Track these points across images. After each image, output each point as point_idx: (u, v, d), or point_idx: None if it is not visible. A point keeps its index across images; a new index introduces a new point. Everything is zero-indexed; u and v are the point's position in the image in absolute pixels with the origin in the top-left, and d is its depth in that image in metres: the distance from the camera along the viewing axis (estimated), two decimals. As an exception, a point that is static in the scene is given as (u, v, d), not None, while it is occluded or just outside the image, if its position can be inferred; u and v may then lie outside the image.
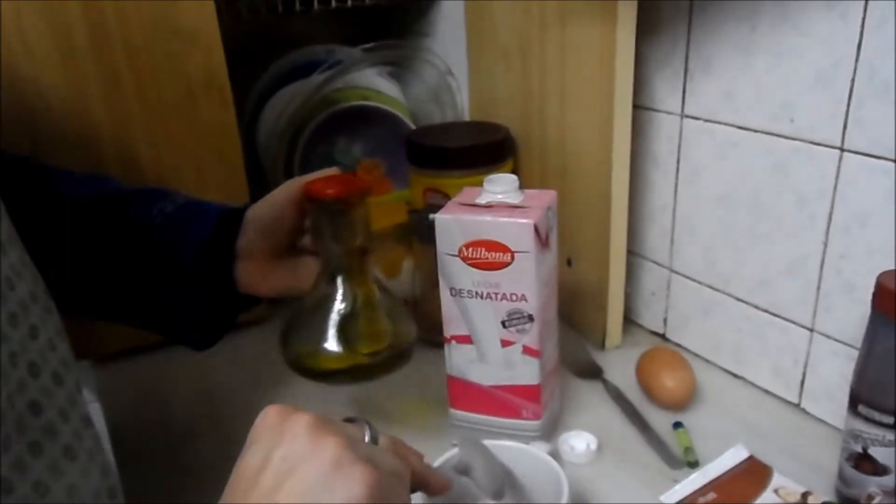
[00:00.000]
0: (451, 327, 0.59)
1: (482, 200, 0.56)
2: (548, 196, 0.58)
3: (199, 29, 0.72)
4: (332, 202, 0.53)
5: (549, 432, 0.61)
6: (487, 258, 0.55)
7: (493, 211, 0.55)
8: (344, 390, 0.71)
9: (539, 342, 0.57)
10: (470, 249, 0.55)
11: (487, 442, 0.49)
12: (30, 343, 0.36)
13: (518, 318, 0.56)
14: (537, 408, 0.59)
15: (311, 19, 0.96)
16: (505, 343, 0.57)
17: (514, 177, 0.58)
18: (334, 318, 0.56)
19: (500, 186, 0.56)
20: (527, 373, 0.58)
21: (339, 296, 0.56)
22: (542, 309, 0.57)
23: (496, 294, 0.56)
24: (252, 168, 0.88)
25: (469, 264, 0.56)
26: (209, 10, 0.72)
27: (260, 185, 0.96)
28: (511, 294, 0.56)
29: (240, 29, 0.83)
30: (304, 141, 0.95)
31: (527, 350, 0.57)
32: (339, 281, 0.56)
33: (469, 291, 0.57)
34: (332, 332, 0.56)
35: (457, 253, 0.56)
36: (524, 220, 0.53)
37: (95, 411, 0.72)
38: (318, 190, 0.53)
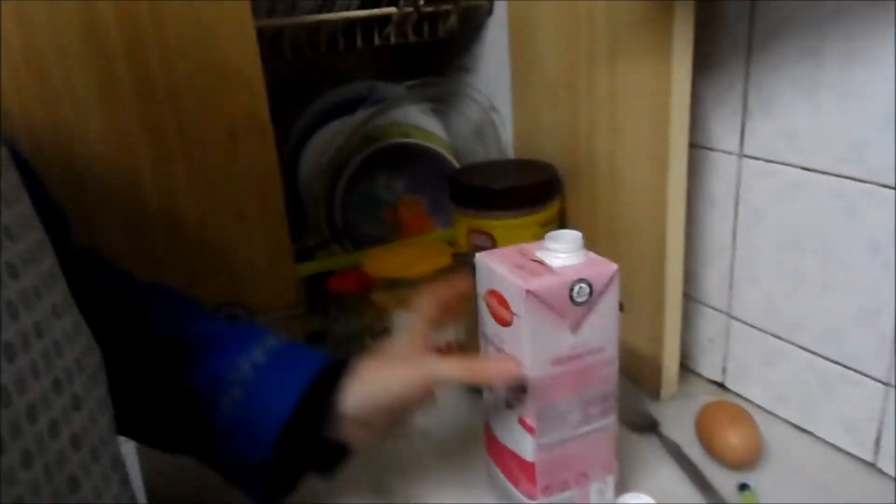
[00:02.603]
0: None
1: (538, 253, 0.53)
2: (600, 268, 0.51)
3: (242, 70, 0.71)
4: (351, 295, 0.70)
5: None
6: (498, 312, 0.52)
7: (518, 264, 0.51)
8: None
9: (536, 419, 0.52)
10: (490, 297, 0.53)
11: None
12: (72, 413, 0.35)
13: (514, 384, 0.52)
14: (531, 488, 0.54)
15: (353, 56, 0.95)
16: (508, 405, 0.54)
17: (574, 235, 0.52)
18: None
19: (556, 243, 0.52)
20: (522, 445, 0.54)
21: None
22: (545, 386, 0.51)
23: (502, 351, 0.53)
24: (292, 207, 0.87)
25: (490, 312, 0.53)
26: (252, 52, 0.71)
27: (300, 224, 0.95)
28: (510, 356, 0.52)
29: (283, 66, 0.83)
30: (345, 178, 0.94)
31: (521, 421, 0.53)
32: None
33: (489, 340, 0.54)
34: None
35: (484, 298, 0.54)
36: (518, 283, 0.49)
37: (130, 454, 0.70)
38: (339, 287, 0.72)
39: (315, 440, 0.52)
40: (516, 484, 0.55)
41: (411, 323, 0.57)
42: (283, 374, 0.51)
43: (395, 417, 0.53)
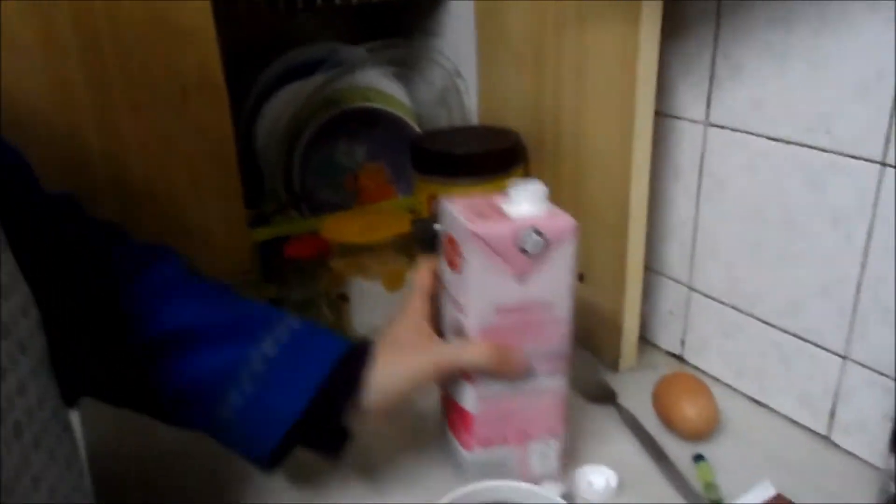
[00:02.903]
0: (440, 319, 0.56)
1: (502, 203, 0.51)
2: (557, 220, 0.49)
3: (193, 25, 0.68)
4: (308, 260, 0.64)
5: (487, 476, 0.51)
6: (450, 256, 0.51)
7: (477, 211, 0.50)
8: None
9: None
10: (447, 243, 0.52)
11: (493, 483, 0.44)
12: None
13: (458, 331, 0.52)
14: (468, 438, 0.53)
15: (313, 16, 0.92)
16: None
17: (537, 185, 0.50)
18: None
19: (518, 193, 0.50)
20: (464, 395, 0.52)
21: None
22: (488, 334, 0.50)
23: (450, 297, 0.52)
24: (249, 171, 0.84)
25: (445, 258, 0.52)
26: (205, 6, 0.68)
27: (257, 189, 0.92)
28: (456, 301, 0.51)
29: (239, 26, 0.79)
30: (303, 143, 0.91)
31: None
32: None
33: (447, 289, 0.53)
34: None
35: (444, 243, 0.53)
36: (468, 225, 0.48)
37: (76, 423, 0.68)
38: (295, 252, 0.67)
39: (324, 432, 0.51)
40: (457, 434, 0.54)
41: (411, 301, 0.55)
42: (294, 371, 0.49)
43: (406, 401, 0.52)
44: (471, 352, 0.50)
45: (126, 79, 0.66)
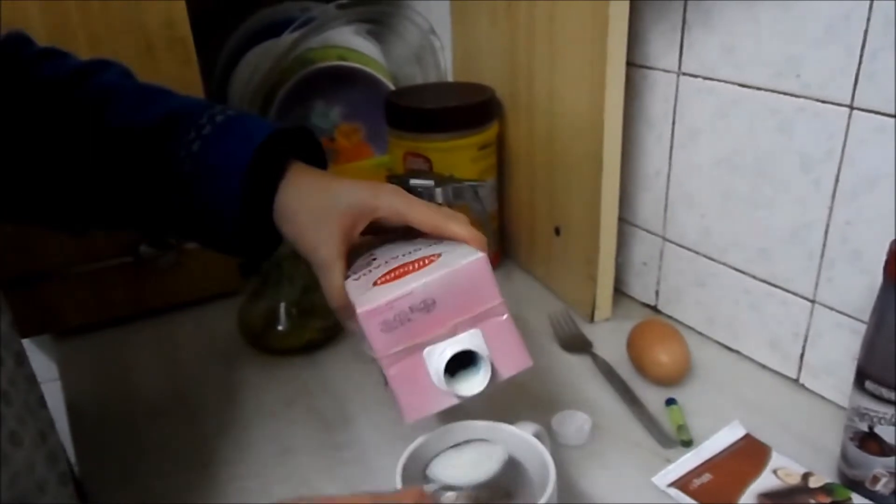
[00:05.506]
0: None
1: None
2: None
3: (159, -22, 0.66)
4: None
5: None
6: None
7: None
8: (320, 360, 0.68)
9: None
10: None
11: (477, 423, 0.45)
12: None
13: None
14: None
15: (284, -26, 0.90)
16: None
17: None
18: (283, 304, 0.69)
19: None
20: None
21: (285, 286, 0.69)
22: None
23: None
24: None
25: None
26: (171, -42, 0.67)
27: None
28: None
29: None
30: (277, 104, 0.89)
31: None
32: (283, 274, 0.69)
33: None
34: (282, 316, 0.69)
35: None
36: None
37: (55, 390, 0.68)
38: None
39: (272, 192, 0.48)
40: None
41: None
42: (244, 126, 0.49)
43: (325, 241, 0.47)
44: (418, 207, 0.47)
45: (89, 31, 0.65)
